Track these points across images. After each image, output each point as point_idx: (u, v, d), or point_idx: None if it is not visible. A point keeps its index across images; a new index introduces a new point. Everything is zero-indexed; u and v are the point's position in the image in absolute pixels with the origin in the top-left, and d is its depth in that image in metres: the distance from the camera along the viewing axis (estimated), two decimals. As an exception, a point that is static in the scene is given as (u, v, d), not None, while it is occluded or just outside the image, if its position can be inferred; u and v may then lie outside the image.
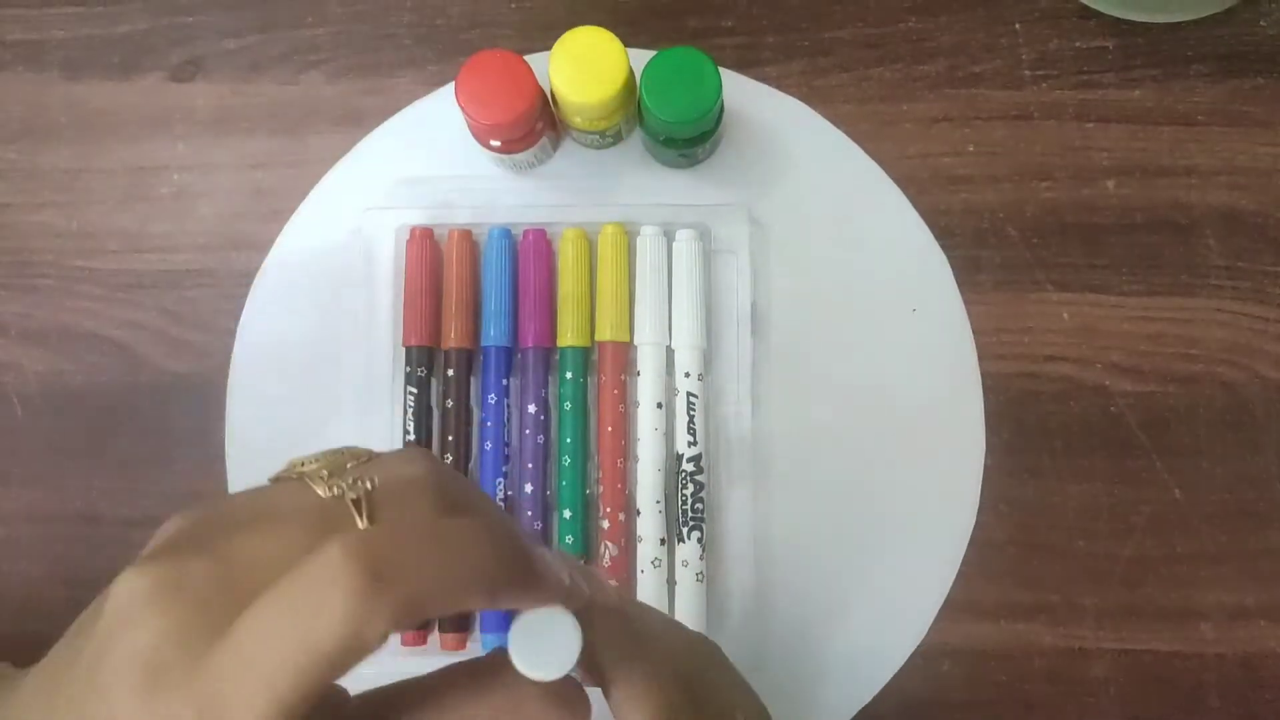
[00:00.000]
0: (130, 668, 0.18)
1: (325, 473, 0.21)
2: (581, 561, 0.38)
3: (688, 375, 0.39)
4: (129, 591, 0.19)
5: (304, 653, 0.18)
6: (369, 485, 0.20)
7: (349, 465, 0.21)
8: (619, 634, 0.25)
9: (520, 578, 0.20)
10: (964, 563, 0.40)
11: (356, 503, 0.20)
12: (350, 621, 0.18)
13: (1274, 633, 0.39)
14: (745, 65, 0.42)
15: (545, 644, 0.21)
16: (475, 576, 0.20)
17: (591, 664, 0.24)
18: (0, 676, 0.27)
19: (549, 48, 0.37)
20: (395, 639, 0.38)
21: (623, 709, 0.24)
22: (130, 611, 0.19)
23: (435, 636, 0.39)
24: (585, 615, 0.22)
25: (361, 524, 0.20)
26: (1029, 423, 0.40)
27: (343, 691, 0.22)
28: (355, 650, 0.18)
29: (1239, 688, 0.39)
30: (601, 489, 0.39)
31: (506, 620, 0.37)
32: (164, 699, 0.18)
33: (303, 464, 0.21)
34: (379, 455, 0.22)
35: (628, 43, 0.37)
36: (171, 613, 0.18)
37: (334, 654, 0.18)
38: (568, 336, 0.39)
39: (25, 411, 0.42)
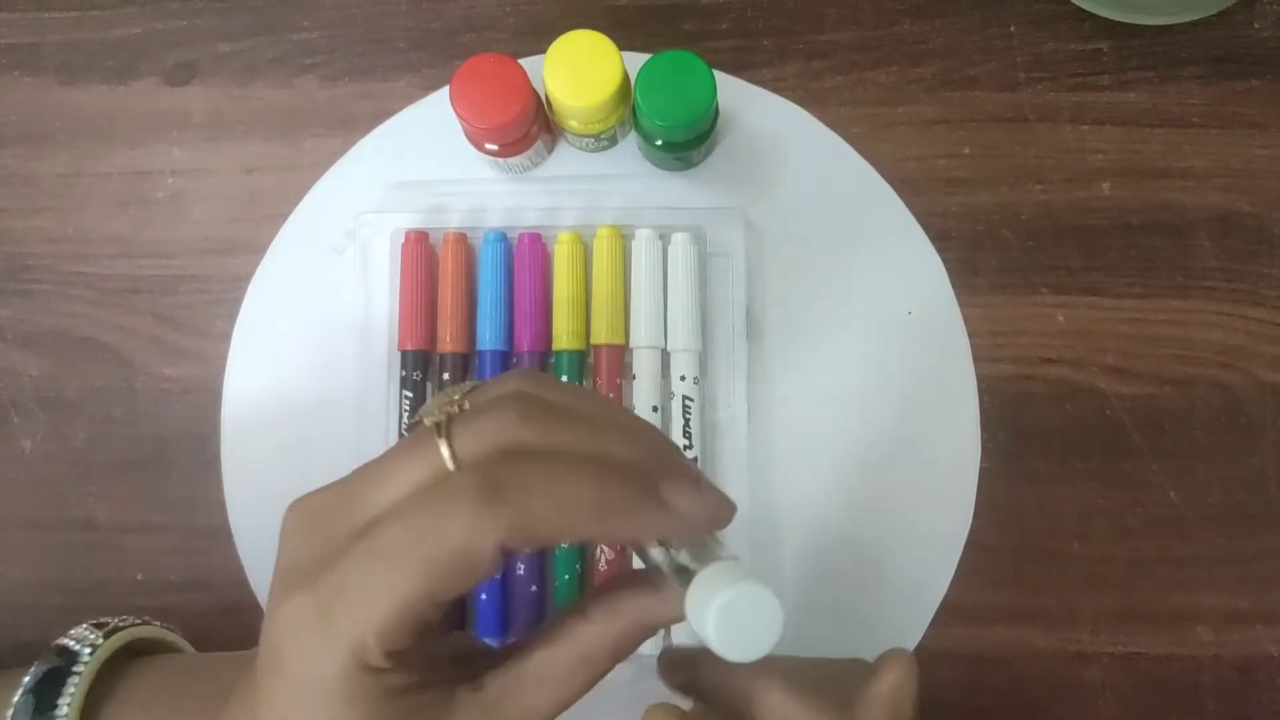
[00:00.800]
0: (274, 582, 0.21)
1: (435, 409, 0.22)
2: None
3: (683, 378, 0.39)
4: (282, 526, 0.22)
5: (424, 557, 0.20)
6: (457, 409, 0.22)
7: (455, 397, 0.22)
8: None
9: (629, 509, 0.21)
10: (960, 566, 0.40)
11: (439, 426, 0.21)
12: (468, 530, 0.19)
13: (1270, 635, 0.39)
14: (741, 68, 0.42)
15: (742, 621, 0.20)
16: (582, 505, 0.20)
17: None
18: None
19: (544, 51, 0.37)
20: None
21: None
22: (281, 541, 0.22)
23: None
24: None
25: (442, 447, 0.21)
26: (1025, 425, 0.40)
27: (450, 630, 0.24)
28: (472, 559, 0.20)
29: (1235, 690, 0.39)
30: (597, 493, 0.39)
31: (501, 625, 0.37)
32: (292, 599, 0.21)
33: (426, 412, 0.23)
34: (482, 382, 0.23)
35: (623, 46, 0.37)
36: (307, 535, 0.22)
37: (451, 560, 0.20)
38: (563, 340, 0.39)
39: (20, 416, 0.42)
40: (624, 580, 0.24)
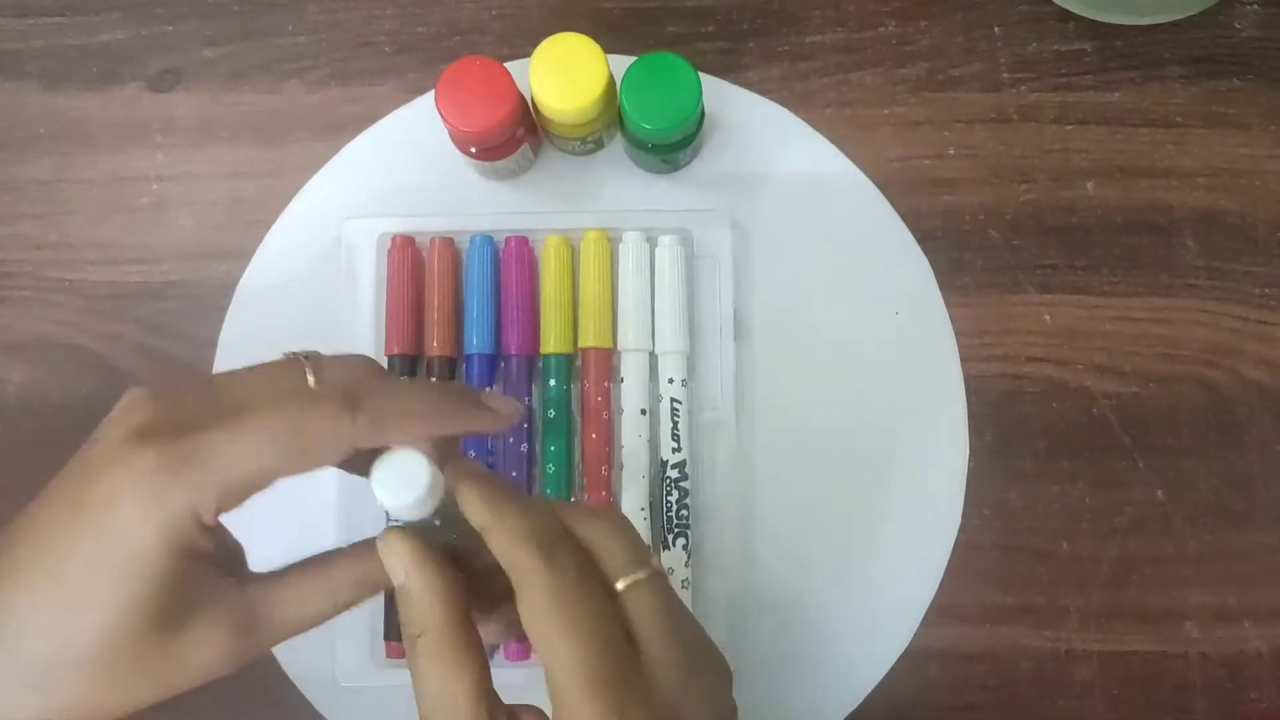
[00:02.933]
0: (120, 430, 0.24)
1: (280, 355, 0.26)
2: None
3: (671, 381, 0.39)
4: (131, 395, 0.25)
5: (287, 440, 0.24)
6: (317, 355, 0.26)
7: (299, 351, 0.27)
8: (496, 488, 0.27)
9: (462, 409, 0.27)
10: (949, 566, 0.40)
11: (307, 357, 0.26)
12: (330, 427, 0.24)
13: (1257, 633, 0.39)
14: (726, 70, 0.42)
15: (398, 475, 0.25)
16: (426, 410, 0.26)
17: (477, 519, 0.26)
18: None
19: (530, 54, 0.37)
20: (383, 655, 0.38)
21: (504, 549, 0.25)
22: (129, 403, 0.25)
23: (420, 646, 0.39)
24: (466, 480, 0.26)
25: (310, 378, 0.25)
26: (1012, 424, 0.41)
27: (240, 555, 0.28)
28: (327, 450, 0.25)
29: (1223, 688, 0.39)
30: (586, 496, 0.39)
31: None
32: (141, 453, 0.23)
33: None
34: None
35: (608, 49, 0.37)
36: (158, 406, 0.24)
37: (309, 447, 0.24)
38: (551, 343, 0.39)
39: (3, 424, 0.42)
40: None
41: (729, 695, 0.27)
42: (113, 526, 0.24)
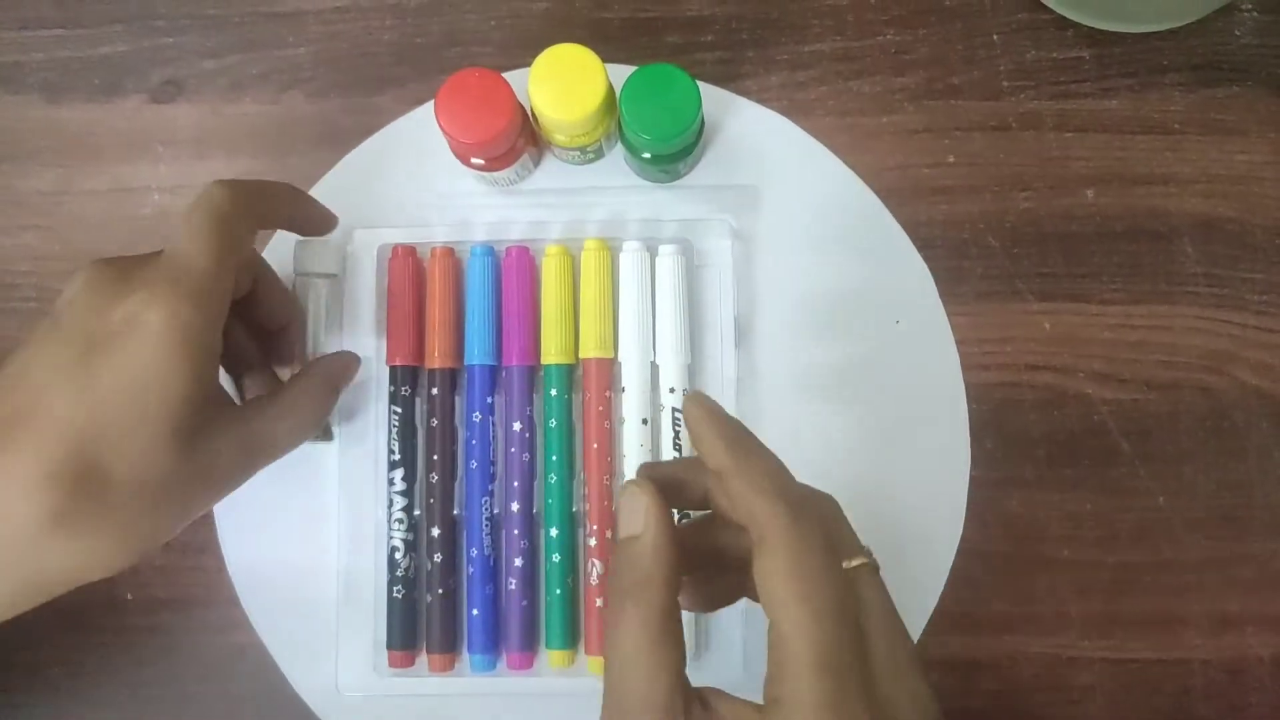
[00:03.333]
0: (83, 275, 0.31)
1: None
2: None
3: (672, 390, 0.39)
4: (92, 265, 0.32)
5: (216, 227, 0.32)
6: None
7: None
8: (741, 433, 0.27)
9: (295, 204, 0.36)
10: (951, 574, 0.40)
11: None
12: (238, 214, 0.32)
13: (1259, 639, 0.39)
14: (725, 79, 0.42)
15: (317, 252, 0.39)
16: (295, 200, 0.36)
17: (715, 461, 0.26)
18: None
19: (529, 64, 0.37)
20: (385, 665, 0.38)
21: (746, 496, 0.25)
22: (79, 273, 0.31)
23: (424, 658, 0.39)
24: (709, 418, 0.27)
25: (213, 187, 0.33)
26: (1012, 432, 0.41)
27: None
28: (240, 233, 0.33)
29: (1225, 694, 0.39)
30: (588, 506, 0.39)
31: (493, 640, 0.38)
32: (141, 272, 0.31)
33: None
34: None
35: (608, 59, 0.37)
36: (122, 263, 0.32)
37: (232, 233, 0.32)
38: (552, 353, 0.39)
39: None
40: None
41: (935, 707, 0.26)
42: (139, 354, 0.29)
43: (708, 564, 0.28)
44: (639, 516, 0.26)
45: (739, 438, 0.26)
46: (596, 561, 0.39)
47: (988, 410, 0.41)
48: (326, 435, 0.40)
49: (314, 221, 0.37)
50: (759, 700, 0.25)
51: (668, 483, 0.28)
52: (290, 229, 0.37)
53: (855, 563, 0.26)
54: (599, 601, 0.38)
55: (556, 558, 0.39)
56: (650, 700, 0.24)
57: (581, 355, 0.39)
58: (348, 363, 0.38)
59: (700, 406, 0.27)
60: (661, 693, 0.24)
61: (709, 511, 0.29)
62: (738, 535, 0.27)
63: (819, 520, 0.25)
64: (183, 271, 0.30)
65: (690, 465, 0.28)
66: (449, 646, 0.39)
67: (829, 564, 0.24)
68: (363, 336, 0.41)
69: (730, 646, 0.39)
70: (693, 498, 0.29)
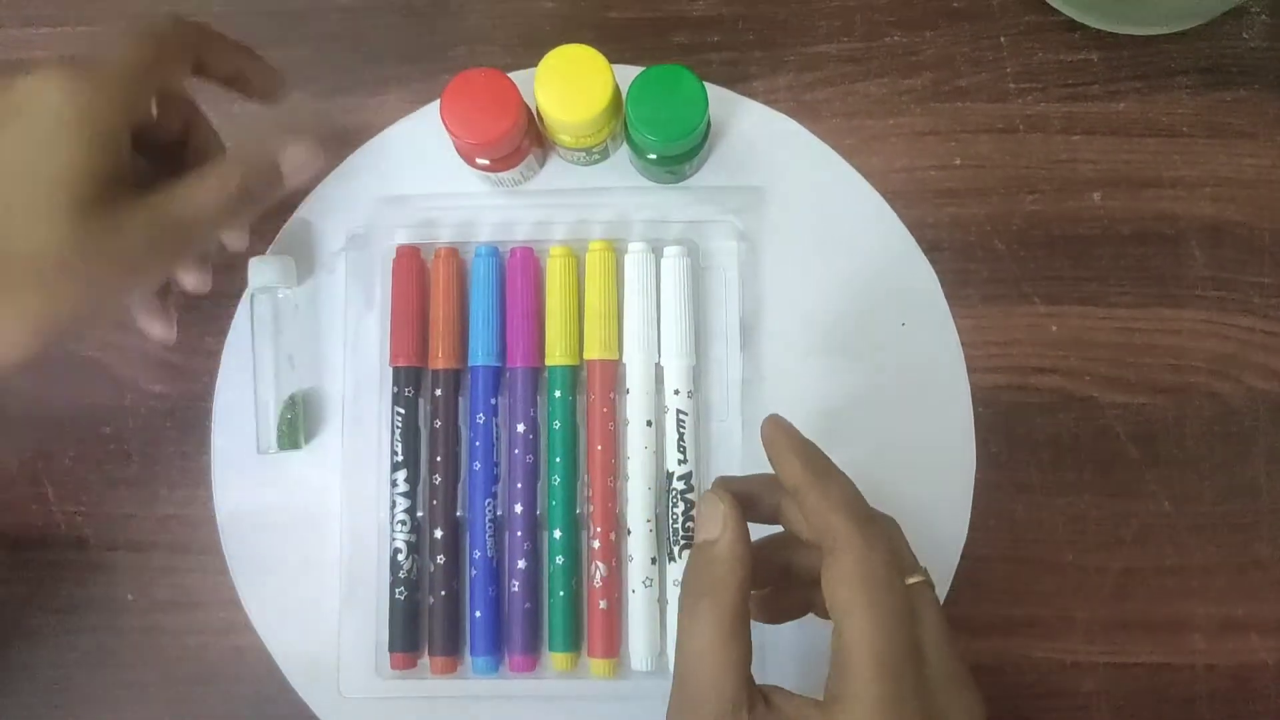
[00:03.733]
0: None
1: None
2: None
3: (677, 392, 0.39)
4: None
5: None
6: None
7: None
8: (817, 454, 0.29)
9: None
10: (955, 577, 0.40)
11: None
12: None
13: (1265, 644, 0.39)
14: (732, 80, 0.42)
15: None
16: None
17: (792, 480, 0.28)
18: None
19: (535, 64, 0.37)
20: (387, 667, 0.38)
21: (820, 512, 0.27)
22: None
23: (426, 660, 0.39)
24: (787, 439, 0.29)
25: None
26: (1018, 435, 0.40)
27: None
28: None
29: (1230, 700, 0.39)
30: (592, 508, 0.39)
31: (496, 642, 0.38)
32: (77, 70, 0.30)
33: None
34: None
35: (614, 59, 0.37)
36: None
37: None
38: (556, 355, 0.39)
39: (8, 435, 0.42)
40: None
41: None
42: (35, 128, 0.29)
43: (777, 579, 0.31)
44: (717, 522, 0.28)
45: (815, 458, 0.29)
46: (599, 564, 0.38)
47: (993, 413, 0.40)
48: (294, 444, 0.40)
49: (258, 81, 0.36)
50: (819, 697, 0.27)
51: (742, 496, 0.30)
52: (234, 88, 0.36)
53: (915, 579, 0.28)
54: (602, 604, 0.38)
55: (560, 560, 0.39)
56: (719, 694, 0.26)
57: (586, 357, 0.39)
58: (275, 153, 0.35)
59: (778, 428, 0.29)
60: (730, 687, 0.26)
61: (780, 530, 0.31)
62: (807, 553, 0.30)
63: (886, 537, 0.27)
64: (92, 62, 0.31)
65: (763, 482, 0.31)
66: (451, 649, 0.39)
67: (892, 577, 0.26)
68: (366, 337, 0.40)
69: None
70: (763, 513, 0.31)
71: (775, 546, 0.32)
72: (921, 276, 0.41)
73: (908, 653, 0.26)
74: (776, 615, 0.33)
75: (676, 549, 0.38)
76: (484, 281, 0.40)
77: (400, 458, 0.39)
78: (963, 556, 0.40)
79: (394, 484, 0.39)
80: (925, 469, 0.40)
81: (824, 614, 0.28)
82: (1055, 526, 0.40)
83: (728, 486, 0.31)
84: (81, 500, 0.41)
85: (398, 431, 0.39)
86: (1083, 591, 0.40)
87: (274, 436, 0.40)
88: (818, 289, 0.41)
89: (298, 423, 0.40)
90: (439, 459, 0.39)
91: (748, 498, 0.30)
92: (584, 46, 0.36)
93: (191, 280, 0.38)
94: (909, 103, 0.42)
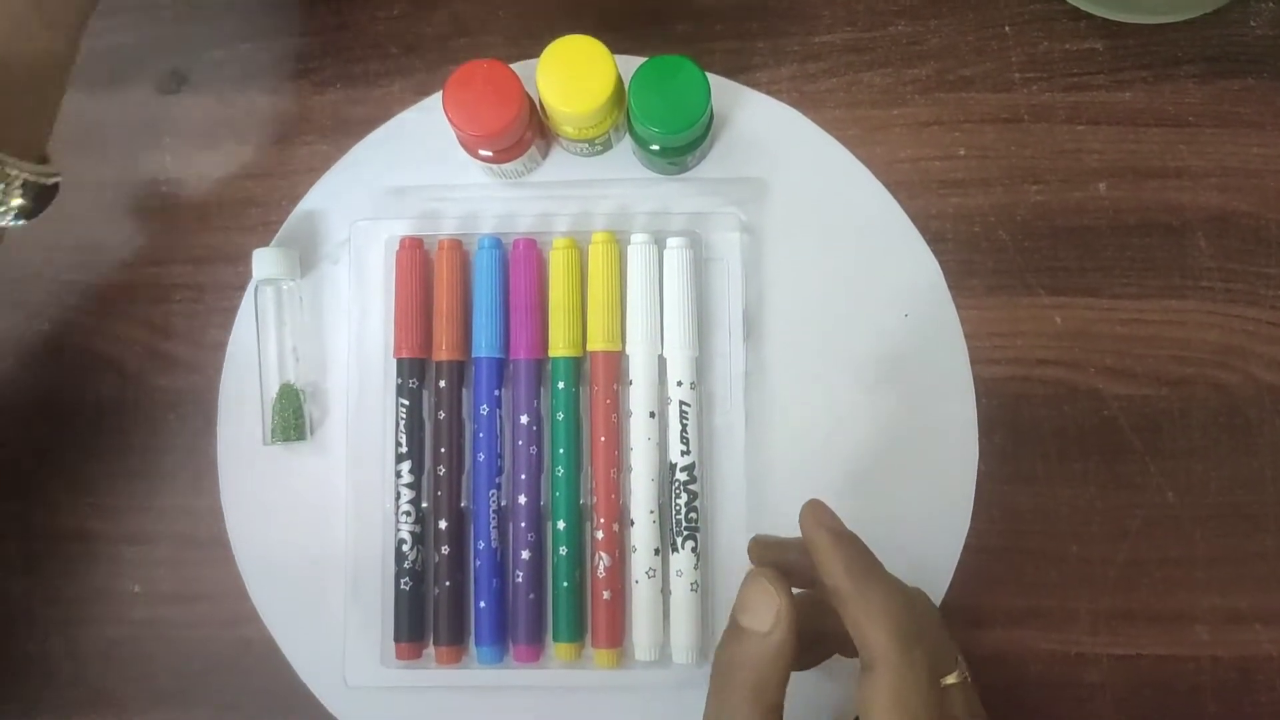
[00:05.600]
0: None
1: None
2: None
3: (680, 384, 0.39)
4: None
5: None
6: None
7: None
8: (860, 555, 0.28)
9: None
10: (959, 569, 0.40)
11: None
12: None
13: (1269, 635, 0.39)
14: (735, 71, 0.42)
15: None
16: None
17: (832, 581, 0.28)
18: None
19: (538, 55, 0.37)
20: (392, 657, 0.38)
21: (861, 625, 0.27)
22: None
23: (431, 650, 0.39)
24: (830, 538, 0.28)
25: None
26: (1022, 427, 0.40)
27: None
28: None
29: (1234, 691, 0.39)
30: (595, 499, 0.39)
31: (500, 632, 0.38)
32: None
33: None
34: None
35: (617, 49, 0.37)
36: None
37: None
38: (559, 346, 0.39)
39: (16, 426, 0.42)
40: None
41: None
42: None
43: (807, 638, 0.30)
44: (770, 615, 0.28)
45: (856, 559, 0.28)
46: (603, 554, 0.38)
47: (997, 405, 0.40)
48: (293, 436, 0.40)
49: None
50: None
51: (782, 567, 0.30)
52: None
53: (951, 680, 0.29)
54: (605, 595, 0.38)
55: (564, 550, 0.39)
56: None
57: (589, 348, 0.39)
58: None
59: (818, 523, 0.29)
60: None
61: (812, 593, 0.32)
62: (838, 620, 0.29)
63: (926, 654, 0.27)
64: None
65: (801, 549, 0.30)
66: (456, 639, 0.39)
67: (928, 692, 0.27)
68: (370, 329, 0.40)
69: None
70: (803, 579, 0.31)
71: (809, 612, 0.30)
72: (925, 267, 0.41)
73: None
74: (800, 665, 0.33)
75: (680, 540, 0.38)
76: (487, 273, 0.40)
77: (404, 449, 0.39)
78: (966, 548, 0.40)
79: (398, 475, 0.39)
80: (928, 460, 0.40)
81: (852, 654, 0.29)
82: (1059, 518, 0.40)
83: (775, 562, 0.30)
84: (88, 493, 0.42)
85: (402, 423, 0.39)
86: (1087, 583, 0.40)
87: (267, 429, 0.40)
88: (820, 280, 0.41)
89: (294, 415, 0.40)
90: (443, 450, 0.39)
91: (787, 568, 0.30)
92: (586, 37, 0.36)
93: None
94: (913, 93, 0.42)
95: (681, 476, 0.38)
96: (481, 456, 0.39)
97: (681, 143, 0.38)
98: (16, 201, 0.32)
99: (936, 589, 0.40)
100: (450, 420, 0.39)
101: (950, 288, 0.41)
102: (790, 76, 0.42)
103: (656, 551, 0.38)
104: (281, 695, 0.40)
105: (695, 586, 0.38)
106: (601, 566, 0.38)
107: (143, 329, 0.42)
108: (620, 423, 0.39)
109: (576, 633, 0.39)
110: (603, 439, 0.39)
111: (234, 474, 0.41)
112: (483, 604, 0.39)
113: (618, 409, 0.39)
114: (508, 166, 0.40)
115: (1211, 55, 0.41)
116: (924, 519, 0.40)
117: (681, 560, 0.38)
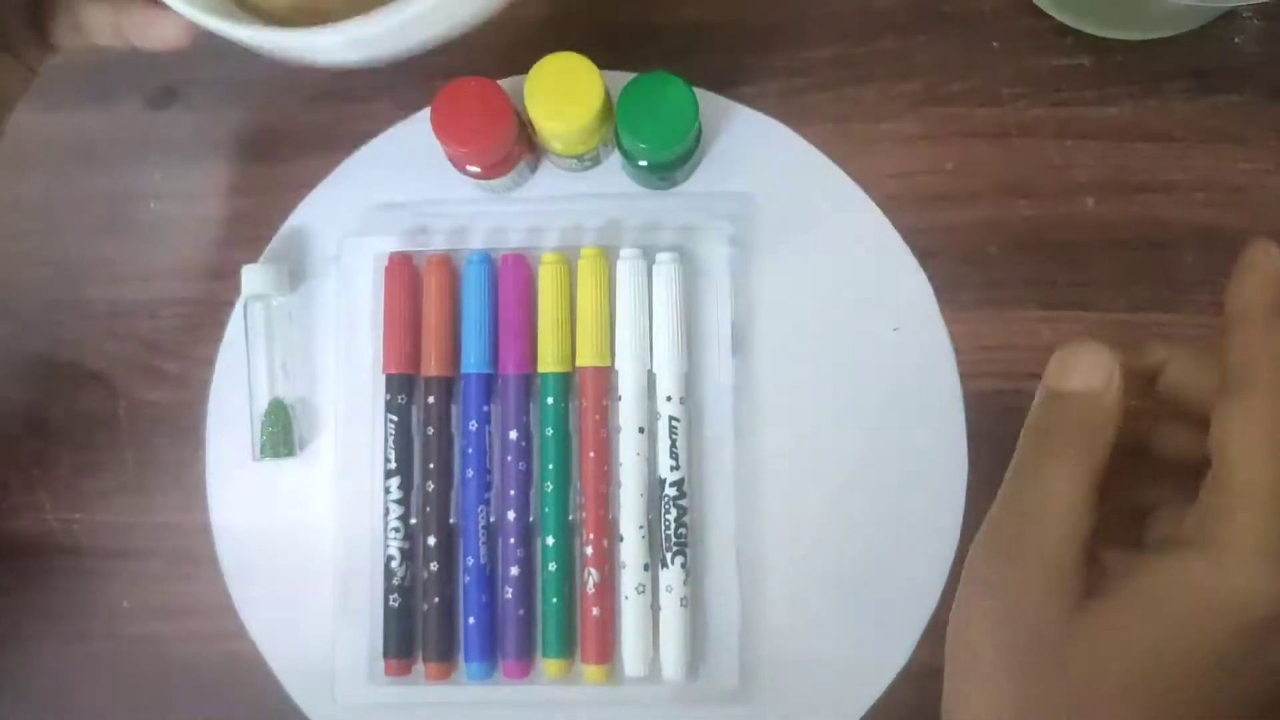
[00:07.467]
0: None
1: None
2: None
3: (669, 399, 0.39)
4: None
5: None
6: None
7: None
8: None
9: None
10: (948, 582, 0.40)
11: None
12: None
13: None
14: (723, 85, 0.42)
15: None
16: None
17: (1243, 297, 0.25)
18: None
19: (526, 70, 0.37)
20: (381, 673, 0.38)
21: (1251, 346, 0.25)
22: None
23: (420, 666, 0.39)
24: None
25: None
26: (1011, 441, 0.39)
27: None
28: None
29: None
30: (584, 515, 0.39)
31: (489, 649, 0.38)
32: None
33: None
34: None
35: (605, 65, 0.37)
36: None
37: None
38: (548, 362, 0.39)
39: (4, 442, 0.42)
40: None
41: None
42: None
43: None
44: (1102, 371, 0.26)
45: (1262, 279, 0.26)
46: (592, 570, 0.38)
47: (986, 418, 0.40)
48: (281, 452, 0.40)
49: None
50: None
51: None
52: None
53: None
54: (595, 610, 0.38)
55: (553, 566, 0.39)
56: (1055, 561, 0.25)
57: (578, 364, 0.39)
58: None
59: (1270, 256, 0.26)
60: (1069, 559, 0.25)
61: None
62: (1172, 429, 0.27)
63: None
64: None
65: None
66: (445, 655, 0.39)
67: None
68: (359, 345, 0.40)
69: (728, 657, 0.39)
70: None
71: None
72: (914, 282, 0.41)
73: None
74: None
75: (669, 555, 0.38)
76: (476, 288, 0.40)
77: (393, 465, 0.39)
78: (956, 561, 0.40)
79: (387, 491, 0.39)
80: (917, 474, 0.40)
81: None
82: (1048, 532, 0.40)
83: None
84: (77, 508, 0.42)
85: (391, 439, 0.39)
86: (1076, 597, 0.40)
87: (257, 445, 0.40)
88: (809, 295, 0.41)
89: (283, 431, 0.40)
90: (432, 466, 0.39)
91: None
92: (574, 54, 0.36)
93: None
94: (901, 108, 0.42)
95: (671, 492, 0.38)
96: (470, 472, 0.39)
97: (669, 158, 0.38)
98: None
99: (926, 603, 0.40)
100: (439, 436, 0.39)
101: (939, 302, 0.41)
102: (778, 91, 0.42)
103: (646, 567, 0.38)
104: (269, 711, 0.40)
105: (685, 602, 0.38)
106: (591, 582, 0.38)
107: (132, 344, 0.42)
108: (609, 438, 0.39)
109: (566, 649, 0.39)
110: (592, 454, 0.39)
111: (223, 489, 0.41)
112: (472, 620, 0.39)
113: (607, 424, 0.39)
114: (496, 182, 0.40)
115: (1198, 71, 0.42)
116: (914, 532, 0.40)
117: (671, 576, 0.38)
